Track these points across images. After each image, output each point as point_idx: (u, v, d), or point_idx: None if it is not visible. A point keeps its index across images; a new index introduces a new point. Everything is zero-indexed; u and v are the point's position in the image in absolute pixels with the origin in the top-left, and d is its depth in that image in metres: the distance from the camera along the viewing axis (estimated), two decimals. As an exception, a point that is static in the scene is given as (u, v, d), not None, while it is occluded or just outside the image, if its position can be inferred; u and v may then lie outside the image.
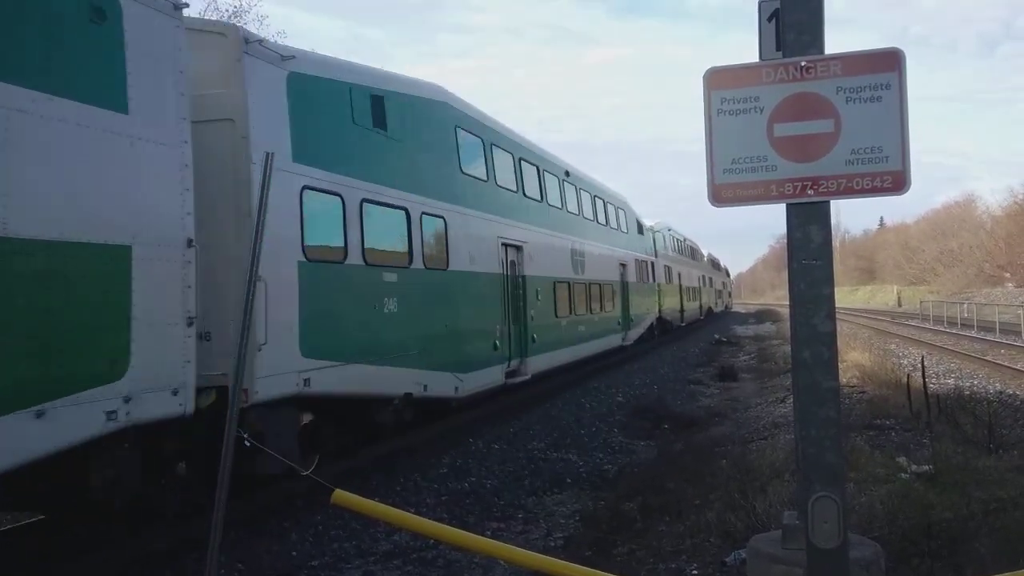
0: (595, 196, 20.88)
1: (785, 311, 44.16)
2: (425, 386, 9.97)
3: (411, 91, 10.48)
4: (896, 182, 3.37)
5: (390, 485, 8.95)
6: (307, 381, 7.62)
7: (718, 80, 3.58)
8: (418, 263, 10.02)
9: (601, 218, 21.37)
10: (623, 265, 22.92)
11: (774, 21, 4.01)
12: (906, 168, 3.37)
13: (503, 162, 13.91)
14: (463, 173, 11.81)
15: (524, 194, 14.77)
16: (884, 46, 3.48)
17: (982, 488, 6.53)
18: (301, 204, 7.75)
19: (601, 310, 20.06)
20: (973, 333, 31.20)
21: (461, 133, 11.96)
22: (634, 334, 24.27)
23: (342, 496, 3.96)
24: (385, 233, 9.43)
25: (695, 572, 5.58)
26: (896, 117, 3.37)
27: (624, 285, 22.95)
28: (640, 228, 27.01)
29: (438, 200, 10.72)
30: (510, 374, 13.44)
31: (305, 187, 7.86)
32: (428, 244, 10.49)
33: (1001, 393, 14.68)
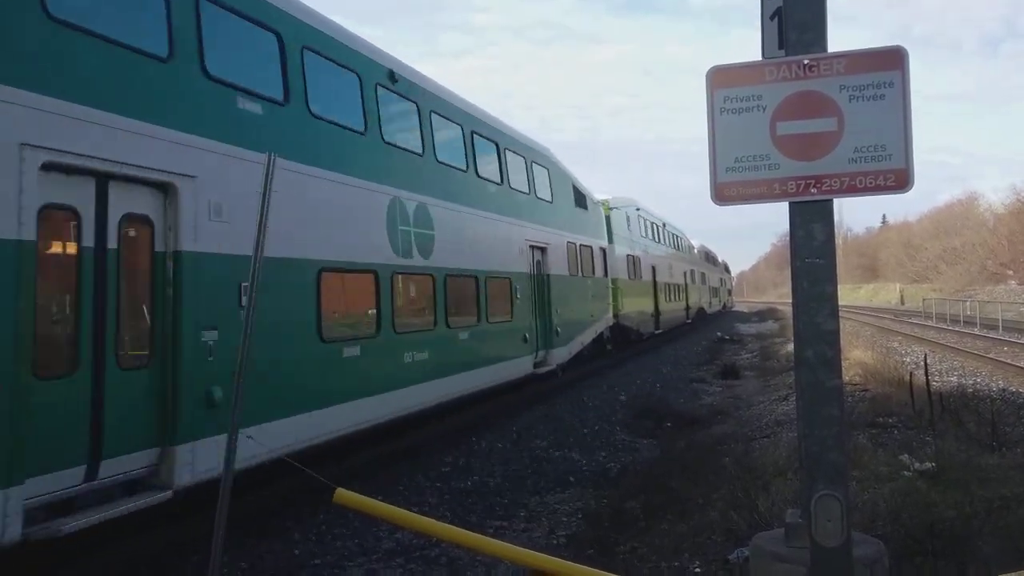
0: (473, 132, 12.83)
1: (787, 309, 44.05)
2: None
3: None
4: (899, 180, 3.36)
5: (392, 484, 8.96)
6: None
7: (721, 79, 3.58)
8: None
9: (487, 170, 13.20)
10: (538, 249, 15.43)
11: (776, 19, 4.00)
12: (909, 166, 3.36)
13: None
14: None
15: (207, 75, 6.85)
16: (887, 44, 3.47)
17: (985, 486, 6.52)
18: None
19: (480, 320, 12.33)
20: (976, 331, 31.13)
21: None
22: (563, 352, 16.68)
23: (344, 495, 3.95)
24: None
25: (698, 570, 5.58)
26: (899, 115, 3.36)
27: (540, 280, 15.46)
28: (581, 199, 19.29)
29: None
30: (71, 503, 5.57)
31: None
32: None
33: (1004, 391, 14.65)
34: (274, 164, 4.42)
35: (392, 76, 10.30)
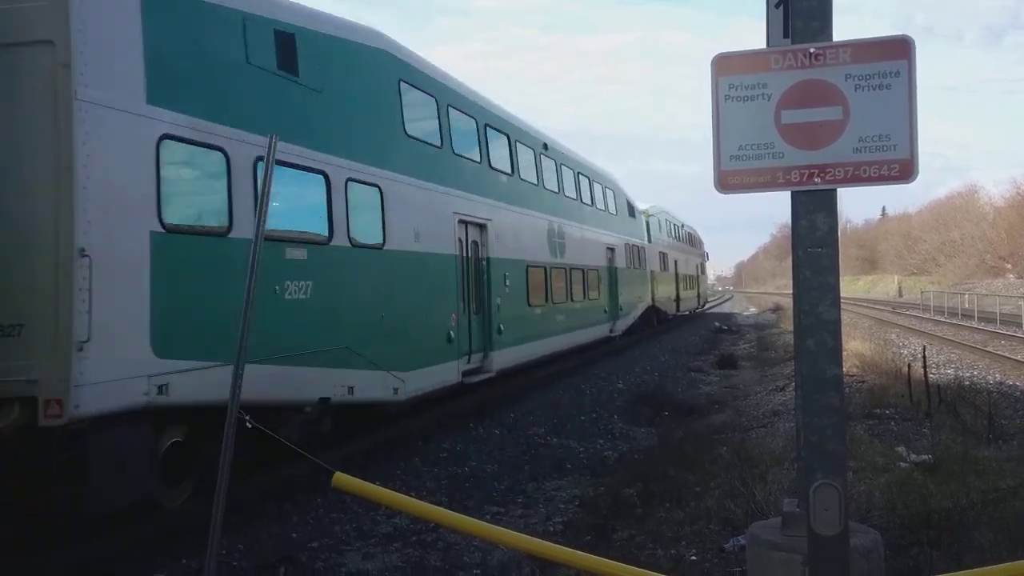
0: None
1: (785, 300, 44.13)
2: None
3: None
4: (904, 170, 3.35)
5: (390, 469, 8.98)
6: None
7: (726, 66, 3.55)
8: None
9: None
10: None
11: (782, 7, 3.98)
12: (914, 156, 3.34)
13: None
14: None
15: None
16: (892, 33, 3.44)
17: (981, 478, 6.54)
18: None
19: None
20: (974, 324, 31.17)
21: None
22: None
23: (342, 479, 3.96)
24: None
25: (694, 558, 5.60)
26: (904, 105, 3.33)
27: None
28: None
29: None
30: None
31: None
32: None
33: (1001, 384, 14.70)
34: (275, 147, 4.40)
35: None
